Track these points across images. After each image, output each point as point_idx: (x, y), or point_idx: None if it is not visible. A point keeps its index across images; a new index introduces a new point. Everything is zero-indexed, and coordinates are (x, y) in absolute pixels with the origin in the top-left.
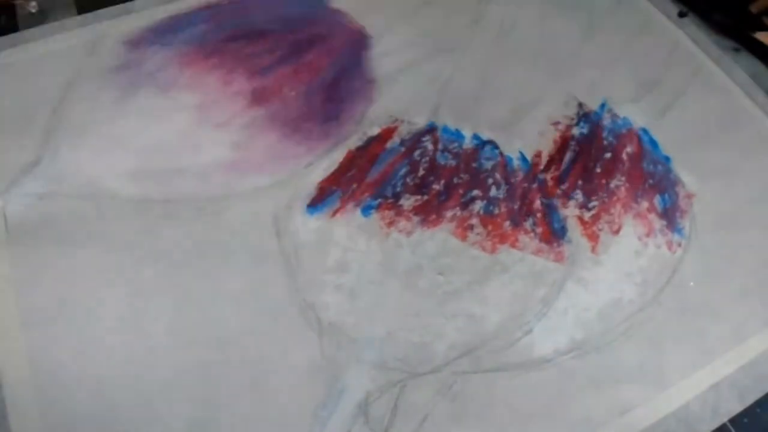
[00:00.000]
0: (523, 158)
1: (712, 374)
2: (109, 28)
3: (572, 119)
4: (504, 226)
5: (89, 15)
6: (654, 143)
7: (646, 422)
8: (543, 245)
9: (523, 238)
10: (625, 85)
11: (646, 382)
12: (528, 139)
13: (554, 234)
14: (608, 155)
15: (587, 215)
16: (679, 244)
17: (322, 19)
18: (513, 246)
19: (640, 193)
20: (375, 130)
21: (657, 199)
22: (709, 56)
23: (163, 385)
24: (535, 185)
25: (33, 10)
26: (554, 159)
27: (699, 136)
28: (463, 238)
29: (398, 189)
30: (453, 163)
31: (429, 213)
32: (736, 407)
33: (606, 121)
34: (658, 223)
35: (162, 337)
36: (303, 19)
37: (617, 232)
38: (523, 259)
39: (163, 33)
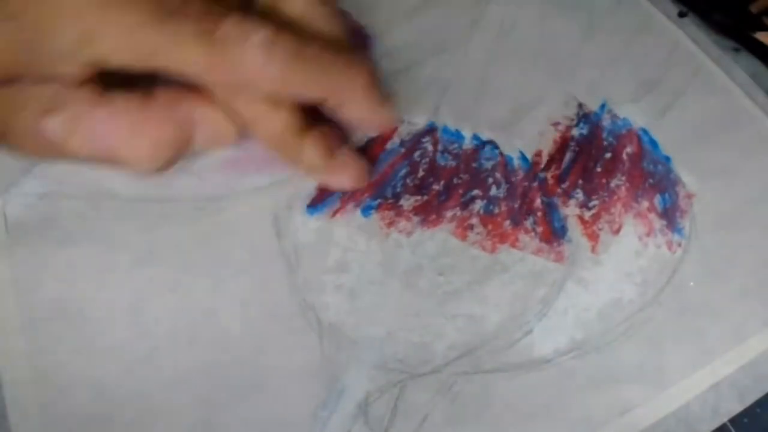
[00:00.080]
0: (524, 157)
1: (712, 374)
2: None
3: (572, 119)
4: (504, 225)
5: None
6: (654, 143)
7: (646, 422)
8: (543, 245)
9: (524, 238)
10: (625, 85)
11: (646, 382)
12: (528, 139)
13: (554, 233)
14: (608, 155)
15: (588, 214)
16: (679, 244)
17: None
18: (513, 245)
19: (640, 192)
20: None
21: (657, 199)
22: (709, 56)
23: (164, 385)
24: (535, 183)
25: None
26: (554, 158)
27: (699, 136)
28: (463, 237)
29: (398, 189)
30: (453, 163)
31: (429, 213)
32: (736, 407)
33: (606, 121)
34: (658, 223)
35: (162, 337)
36: None
37: (617, 231)
38: (524, 258)
39: None
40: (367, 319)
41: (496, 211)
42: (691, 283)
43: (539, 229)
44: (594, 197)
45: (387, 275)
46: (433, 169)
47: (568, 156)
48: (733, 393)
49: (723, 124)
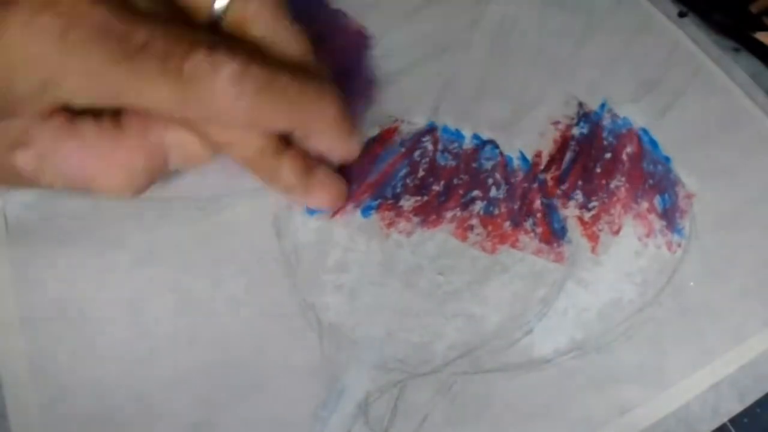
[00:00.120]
0: (524, 158)
1: (712, 374)
2: None
3: (572, 119)
4: (504, 226)
5: None
6: (654, 143)
7: (646, 422)
8: (543, 245)
9: (524, 238)
10: (625, 85)
11: (646, 382)
12: (528, 139)
13: (554, 234)
14: (608, 155)
15: (587, 215)
16: (679, 245)
17: (322, 19)
18: (513, 246)
19: (640, 193)
20: (375, 131)
21: (657, 200)
22: (709, 56)
23: (164, 385)
24: (535, 185)
25: None
26: (554, 159)
27: (699, 136)
28: (463, 238)
29: (398, 190)
30: (453, 163)
31: (429, 214)
32: (736, 407)
33: (606, 121)
34: (658, 224)
35: (162, 338)
36: (302, 19)
37: (617, 232)
38: (524, 259)
39: None
40: (367, 319)
41: (496, 212)
42: (691, 284)
43: (539, 230)
44: (594, 198)
45: (387, 275)
46: (433, 169)
47: (568, 156)
48: (733, 393)
49: (723, 124)
